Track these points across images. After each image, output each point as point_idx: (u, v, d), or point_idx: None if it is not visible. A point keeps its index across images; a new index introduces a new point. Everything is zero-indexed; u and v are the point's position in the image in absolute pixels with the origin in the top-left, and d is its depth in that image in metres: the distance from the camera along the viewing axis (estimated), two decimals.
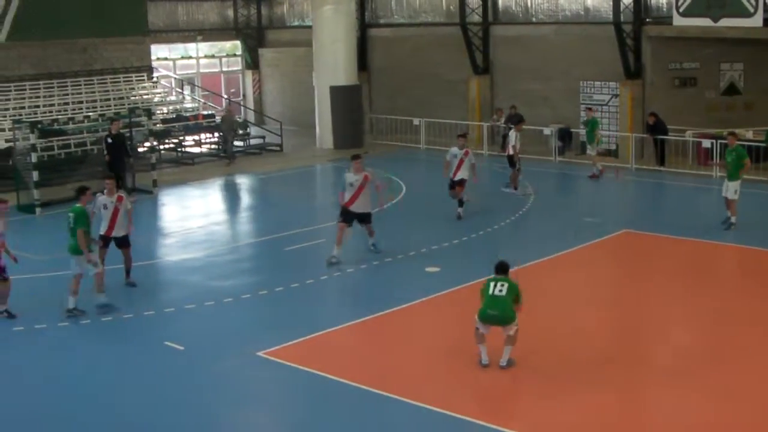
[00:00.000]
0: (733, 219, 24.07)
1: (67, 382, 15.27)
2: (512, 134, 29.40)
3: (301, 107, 45.21)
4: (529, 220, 26.09)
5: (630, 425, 13.21)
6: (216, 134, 39.34)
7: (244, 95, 50.71)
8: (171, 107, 40.89)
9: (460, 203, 25.68)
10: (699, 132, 32.79)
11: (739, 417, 13.32)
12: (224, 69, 50.63)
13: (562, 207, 28.52)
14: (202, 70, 49.05)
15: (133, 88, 40.96)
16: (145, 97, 40.75)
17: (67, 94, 38.53)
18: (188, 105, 42.12)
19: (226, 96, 48.85)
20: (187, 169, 36.56)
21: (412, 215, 25.91)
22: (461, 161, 25.55)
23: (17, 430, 13.62)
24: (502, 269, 15.45)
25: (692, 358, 15.59)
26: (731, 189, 24.04)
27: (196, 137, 39.56)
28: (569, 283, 20.37)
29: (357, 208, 21.42)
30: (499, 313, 14.89)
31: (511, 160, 29.17)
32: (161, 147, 37.32)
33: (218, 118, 39.55)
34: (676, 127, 33.13)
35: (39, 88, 38.21)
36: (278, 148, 40.41)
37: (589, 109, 32.99)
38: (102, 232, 19.54)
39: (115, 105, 38.32)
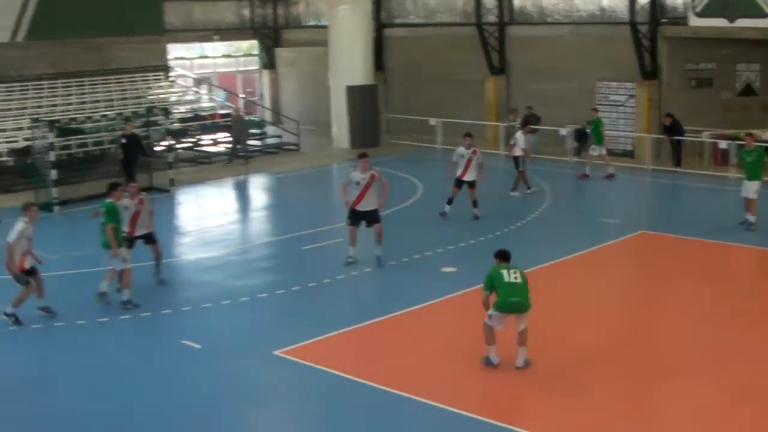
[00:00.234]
0: (752, 219, 24.03)
1: (84, 380, 15.33)
2: (520, 136, 29.31)
3: (317, 107, 45.24)
4: (546, 220, 26.08)
5: (646, 425, 13.20)
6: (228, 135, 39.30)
7: (260, 95, 50.79)
8: (188, 106, 40.99)
9: (474, 204, 25.65)
10: (715, 133, 32.77)
11: (758, 417, 13.32)
12: (241, 68, 50.77)
13: (578, 208, 28.56)
14: (218, 70, 49.16)
15: (150, 88, 41.10)
16: (162, 96, 40.86)
17: (85, 93, 38.70)
18: (205, 104, 42.22)
19: (243, 95, 49.01)
20: (203, 168, 36.67)
21: (428, 215, 25.92)
22: (469, 161, 25.50)
23: (32, 428, 13.72)
24: (507, 257, 15.40)
25: (709, 358, 15.58)
26: (751, 189, 23.96)
27: (213, 136, 39.63)
28: (586, 283, 20.37)
29: (363, 206, 21.07)
30: (521, 298, 14.82)
31: (517, 162, 29.10)
32: (178, 146, 37.44)
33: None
34: (692, 128, 33.10)
35: (57, 88, 38.41)
36: (295, 148, 40.48)
37: (594, 109, 32.92)
38: (124, 233, 19.52)
39: (132, 104, 38.45)
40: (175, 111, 38.97)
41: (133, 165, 29.25)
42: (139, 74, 41.20)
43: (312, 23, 49.00)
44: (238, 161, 36.99)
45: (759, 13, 31.09)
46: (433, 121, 39.49)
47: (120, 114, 33.69)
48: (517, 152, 28.99)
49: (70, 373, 15.71)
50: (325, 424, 13.65)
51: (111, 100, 38.67)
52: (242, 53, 50.67)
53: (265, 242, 25.18)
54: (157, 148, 33.80)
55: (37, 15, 37.94)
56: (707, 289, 19.50)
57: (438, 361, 15.55)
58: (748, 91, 35.43)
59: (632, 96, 35.26)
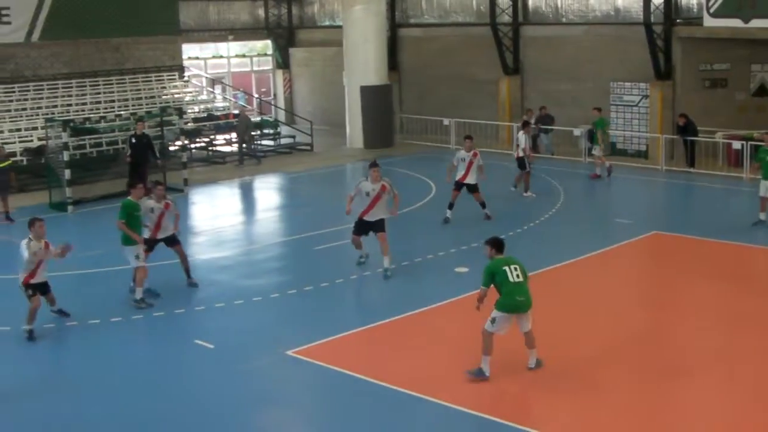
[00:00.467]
0: (763, 217, 24.06)
1: (96, 379, 15.39)
2: (521, 136, 29.22)
3: (331, 107, 45.34)
4: (559, 220, 26.05)
5: (658, 426, 13.19)
6: (233, 135, 39.33)
7: (274, 95, 50.85)
8: (202, 106, 41.07)
9: (483, 206, 25.58)
10: (729, 133, 32.68)
11: None
12: (255, 68, 50.82)
13: (591, 208, 28.58)
14: (233, 70, 49.25)
15: (165, 87, 41.17)
16: (176, 96, 40.95)
17: (99, 93, 38.78)
18: (219, 104, 42.29)
19: (257, 95, 49.07)
20: (217, 167, 36.75)
21: (441, 215, 25.86)
22: (470, 163, 25.29)
23: (43, 428, 13.78)
24: (502, 246, 15.02)
25: (723, 359, 15.56)
26: None
27: (227, 136, 39.69)
28: (599, 284, 20.38)
29: (371, 216, 20.70)
30: (526, 298, 14.67)
31: (521, 162, 29.05)
32: (192, 146, 37.52)
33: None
34: (706, 129, 33.02)
35: (71, 87, 38.50)
36: (309, 148, 40.52)
37: (598, 109, 32.88)
38: (146, 235, 19.51)
39: (146, 104, 38.58)
40: (189, 111, 39.07)
41: (144, 166, 29.17)
42: (153, 74, 41.26)
43: (326, 23, 49.10)
44: (250, 161, 37.05)
45: None
46: (446, 121, 39.49)
47: (134, 114, 33.80)
48: (521, 153, 28.87)
49: (83, 372, 15.76)
50: (337, 424, 13.67)
51: (125, 100, 38.76)
52: (256, 53, 50.70)
53: (278, 242, 25.22)
54: (171, 148, 33.91)
55: (52, 15, 38.04)
56: (721, 290, 19.44)
57: (451, 361, 15.51)
58: (762, 91, 35.30)
59: (646, 96, 35.21)
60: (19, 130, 34.33)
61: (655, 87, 34.91)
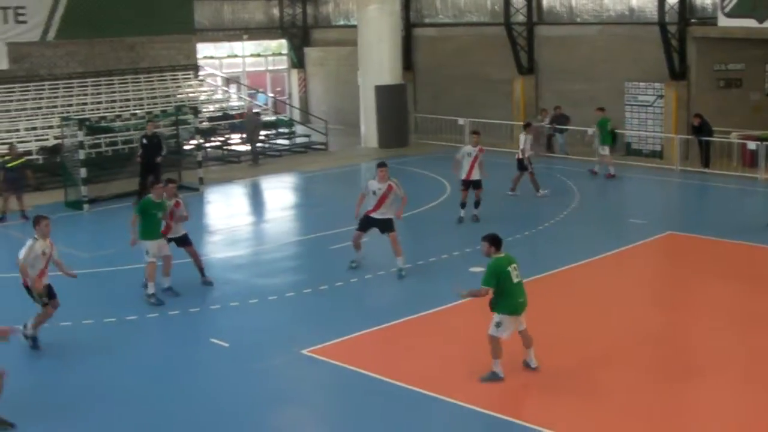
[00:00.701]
0: None
1: (113, 378, 15.45)
2: (522, 137, 29.18)
3: (346, 106, 45.39)
4: (573, 220, 26.03)
5: (674, 427, 13.20)
6: (243, 134, 39.30)
7: (289, 94, 50.92)
8: (217, 105, 41.16)
9: (481, 206, 25.61)
10: (744, 134, 32.62)
11: None
12: (270, 68, 50.91)
13: (605, 208, 28.56)
14: (247, 69, 49.34)
15: (180, 86, 41.30)
16: (191, 95, 41.05)
17: (115, 92, 38.94)
18: (234, 103, 42.38)
19: (271, 95, 49.16)
20: (232, 167, 36.83)
21: (456, 215, 25.90)
22: (475, 158, 25.40)
23: (54, 424, 13.84)
24: (500, 243, 14.73)
25: (736, 359, 15.55)
26: None
27: (242, 135, 39.73)
28: (613, 284, 20.36)
29: (379, 214, 20.72)
30: (525, 298, 14.64)
31: (521, 163, 29.03)
32: (207, 145, 37.61)
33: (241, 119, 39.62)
34: (721, 129, 32.97)
35: (87, 86, 38.67)
36: (323, 147, 40.60)
37: (601, 109, 32.85)
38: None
39: (161, 103, 38.69)
40: (203, 110, 39.17)
41: (154, 166, 29.08)
42: (168, 73, 41.44)
43: (341, 23, 49.18)
44: (263, 161, 37.10)
45: None
46: (461, 120, 39.47)
47: (149, 113, 33.89)
48: (520, 154, 28.82)
49: (97, 371, 15.79)
50: (351, 423, 13.71)
51: (141, 99, 38.90)
52: (271, 52, 50.78)
53: (292, 241, 25.26)
54: (186, 147, 33.99)
55: (67, 14, 38.19)
56: (735, 290, 19.41)
57: (465, 361, 15.53)
58: None
59: (661, 96, 35.15)
60: (35, 128, 34.48)
61: (670, 87, 34.86)
